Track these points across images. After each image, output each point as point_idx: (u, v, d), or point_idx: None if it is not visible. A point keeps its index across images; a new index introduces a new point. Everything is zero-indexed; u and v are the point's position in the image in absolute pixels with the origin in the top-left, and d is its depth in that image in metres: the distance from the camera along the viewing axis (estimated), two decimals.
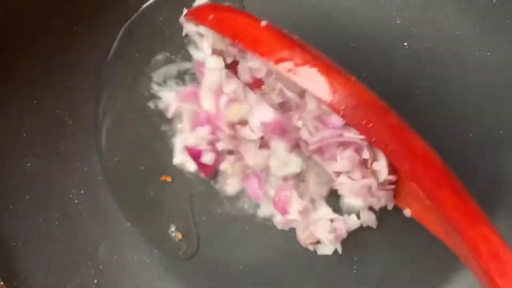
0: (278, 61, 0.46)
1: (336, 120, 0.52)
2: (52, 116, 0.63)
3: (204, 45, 0.60)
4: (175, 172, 0.65)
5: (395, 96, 0.62)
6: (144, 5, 0.65)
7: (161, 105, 0.65)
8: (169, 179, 0.65)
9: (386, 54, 0.63)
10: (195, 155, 0.61)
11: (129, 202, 0.65)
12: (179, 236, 0.64)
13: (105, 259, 0.63)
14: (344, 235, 0.61)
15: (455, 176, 0.46)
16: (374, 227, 0.62)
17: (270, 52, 0.47)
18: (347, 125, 0.51)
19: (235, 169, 0.62)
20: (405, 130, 0.47)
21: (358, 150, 0.54)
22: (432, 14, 0.62)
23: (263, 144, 0.60)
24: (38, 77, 0.61)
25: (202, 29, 0.59)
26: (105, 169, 0.65)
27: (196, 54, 0.65)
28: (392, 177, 0.55)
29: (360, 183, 0.56)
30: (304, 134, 0.55)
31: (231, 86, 0.59)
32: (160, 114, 0.65)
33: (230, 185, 0.63)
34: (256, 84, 0.60)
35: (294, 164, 0.59)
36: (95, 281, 0.62)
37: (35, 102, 0.62)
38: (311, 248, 0.62)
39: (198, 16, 0.55)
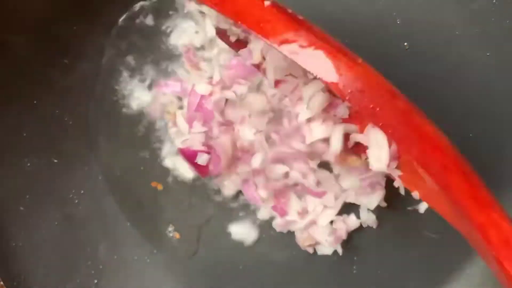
0: (282, 42, 0.44)
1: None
2: (52, 116, 0.63)
3: (207, 25, 0.60)
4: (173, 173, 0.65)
5: None
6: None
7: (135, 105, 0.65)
8: (159, 186, 0.65)
9: (386, 54, 0.63)
10: (190, 156, 0.61)
11: (127, 201, 0.65)
12: (177, 236, 0.64)
13: (105, 259, 0.63)
14: (344, 236, 0.61)
15: (466, 161, 0.45)
16: (374, 227, 0.62)
17: (274, 33, 0.45)
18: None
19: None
20: (413, 114, 0.45)
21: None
22: (432, 14, 0.62)
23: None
24: (38, 77, 0.61)
25: (204, 8, 0.58)
26: (105, 169, 0.65)
27: (184, 39, 0.65)
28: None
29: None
30: None
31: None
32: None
33: (227, 187, 0.63)
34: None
35: None
36: (95, 281, 0.62)
37: (35, 102, 0.62)
38: (310, 250, 0.62)
39: None
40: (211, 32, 0.62)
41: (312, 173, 0.61)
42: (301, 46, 0.44)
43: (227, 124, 0.61)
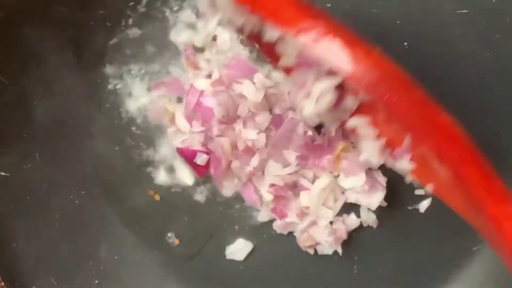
0: (298, 31, 0.44)
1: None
2: (52, 117, 0.63)
3: (212, 21, 0.60)
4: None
5: None
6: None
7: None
8: (157, 197, 0.65)
9: (386, 54, 0.63)
10: (189, 156, 0.61)
11: (127, 204, 0.65)
12: (176, 241, 0.64)
13: (106, 259, 0.63)
14: (344, 236, 0.61)
15: (481, 153, 0.45)
16: (374, 226, 0.62)
17: (291, 22, 0.44)
18: None
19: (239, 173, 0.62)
20: (429, 105, 0.45)
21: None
22: (432, 14, 0.62)
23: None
24: (38, 78, 0.61)
25: (218, 1, 0.57)
26: (105, 170, 0.65)
27: (184, 37, 0.64)
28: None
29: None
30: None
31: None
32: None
33: (226, 188, 0.63)
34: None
35: None
36: (96, 281, 0.62)
37: (35, 102, 0.62)
38: (310, 251, 0.62)
39: None
40: (214, 30, 0.62)
41: (311, 173, 0.61)
42: (318, 36, 0.43)
43: (227, 123, 0.61)
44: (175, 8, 0.65)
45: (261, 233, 0.64)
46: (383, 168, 0.60)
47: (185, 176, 0.64)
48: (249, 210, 0.64)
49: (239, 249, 0.64)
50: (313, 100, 0.51)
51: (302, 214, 0.61)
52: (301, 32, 0.44)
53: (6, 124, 0.60)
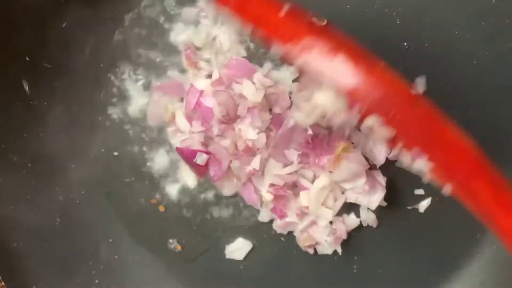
0: (301, 49, 0.43)
1: None
2: (52, 117, 0.63)
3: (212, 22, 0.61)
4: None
5: None
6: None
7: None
8: (162, 208, 0.65)
9: (386, 54, 0.63)
10: (189, 156, 0.61)
11: (126, 206, 0.65)
12: (178, 247, 0.64)
13: (106, 259, 0.63)
14: (344, 236, 0.61)
15: (491, 164, 0.44)
16: (374, 226, 0.62)
17: (293, 39, 0.44)
18: None
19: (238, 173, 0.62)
20: (435, 120, 0.44)
21: None
22: (432, 14, 0.62)
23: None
24: (39, 78, 0.61)
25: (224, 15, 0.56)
26: (106, 171, 0.65)
27: (184, 37, 0.64)
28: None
29: None
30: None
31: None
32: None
33: (225, 187, 0.63)
34: None
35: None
36: (96, 281, 0.62)
37: (35, 103, 0.62)
38: (310, 251, 0.62)
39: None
40: (214, 30, 0.63)
41: (311, 173, 0.61)
42: (321, 52, 0.43)
43: (227, 123, 0.61)
44: (175, 8, 0.65)
45: (261, 233, 0.64)
46: (383, 168, 0.60)
47: (187, 177, 0.64)
48: (249, 210, 0.64)
49: (238, 248, 0.64)
50: (310, 108, 0.51)
51: (302, 214, 0.61)
52: (304, 49, 0.43)
53: (7, 125, 0.60)
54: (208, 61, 0.64)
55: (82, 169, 0.64)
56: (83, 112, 0.64)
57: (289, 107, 0.61)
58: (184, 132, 0.63)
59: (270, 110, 0.62)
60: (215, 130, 0.61)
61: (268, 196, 0.61)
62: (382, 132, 0.55)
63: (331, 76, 0.43)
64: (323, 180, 0.60)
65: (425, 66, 0.62)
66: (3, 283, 0.59)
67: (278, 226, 0.63)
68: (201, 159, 0.61)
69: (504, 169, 0.61)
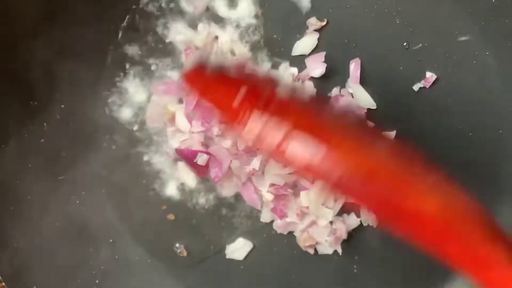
0: (257, 142, 0.40)
1: None
2: (52, 117, 0.63)
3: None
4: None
5: (395, 95, 0.63)
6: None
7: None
8: (172, 216, 0.64)
9: (386, 54, 0.63)
10: (189, 156, 0.61)
11: (127, 206, 0.65)
12: (184, 253, 0.64)
13: (106, 259, 0.63)
14: (344, 236, 0.61)
15: (461, 216, 0.40)
16: (374, 226, 0.62)
17: (245, 127, 0.40)
18: None
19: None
20: (394, 192, 0.40)
21: None
22: (432, 14, 0.62)
23: None
24: (39, 78, 0.61)
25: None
26: (106, 171, 0.65)
27: (183, 37, 0.64)
28: None
29: None
30: None
31: None
32: None
33: (225, 188, 0.63)
34: None
35: None
36: (97, 281, 0.62)
37: (36, 103, 0.62)
38: (310, 251, 0.62)
39: (188, 80, 0.47)
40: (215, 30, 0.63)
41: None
42: (276, 138, 0.39)
43: None
44: (175, 7, 0.65)
45: (261, 233, 0.64)
46: None
47: (187, 177, 0.64)
48: (250, 210, 0.64)
49: (239, 248, 0.64)
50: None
51: (302, 214, 0.61)
52: (260, 142, 0.40)
53: (7, 125, 0.60)
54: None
55: (82, 169, 0.64)
56: (83, 112, 0.64)
57: None
58: (184, 132, 0.63)
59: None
60: (215, 130, 0.61)
61: (268, 196, 0.61)
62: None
63: (285, 161, 0.41)
64: None
65: (425, 66, 0.62)
66: (3, 284, 0.59)
67: (278, 226, 0.63)
68: (201, 159, 0.61)
69: (504, 167, 0.61)
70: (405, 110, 0.63)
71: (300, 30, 0.64)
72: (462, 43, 0.62)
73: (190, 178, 0.64)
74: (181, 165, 0.64)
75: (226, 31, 0.63)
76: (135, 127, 0.65)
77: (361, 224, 0.62)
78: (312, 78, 0.63)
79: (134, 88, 0.65)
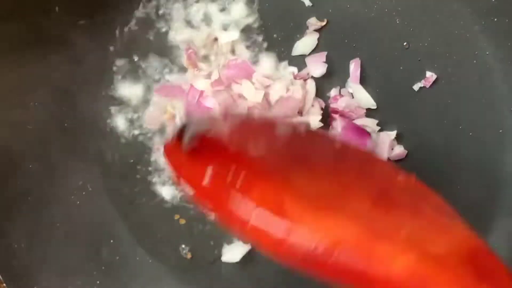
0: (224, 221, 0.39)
1: None
2: (52, 118, 0.63)
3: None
4: None
5: (395, 95, 0.63)
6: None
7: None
8: (182, 221, 0.64)
9: (386, 53, 0.63)
10: None
11: (127, 206, 0.65)
12: (189, 255, 0.64)
13: (107, 260, 0.63)
14: None
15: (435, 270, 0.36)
16: None
17: (219, 208, 0.39)
18: None
19: None
20: (360, 256, 0.36)
21: None
22: (432, 14, 0.62)
23: None
24: (39, 78, 0.61)
25: None
26: (106, 171, 0.65)
27: (183, 36, 0.64)
28: None
29: None
30: None
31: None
32: None
33: None
34: None
35: None
36: (98, 281, 0.62)
37: (36, 104, 0.62)
38: None
39: (167, 153, 0.45)
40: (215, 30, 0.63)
41: None
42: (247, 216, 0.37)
43: None
44: (174, 8, 0.65)
45: None
46: None
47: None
48: None
49: (235, 250, 0.64)
50: None
51: None
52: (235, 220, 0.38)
53: (7, 126, 0.60)
54: (208, 61, 0.64)
55: (83, 170, 0.64)
56: (83, 113, 0.64)
57: None
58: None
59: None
60: None
61: None
62: None
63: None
64: None
65: (425, 66, 0.62)
66: (3, 284, 0.59)
67: None
68: None
69: (504, 168, 0.61)
70: (405, 110, 0.63)
71: (300, 30, 0.64)
72: (462, 43, 0.62)
73: None
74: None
75: (226, 32, 0.63)
76: (136, 128, 0.65)
77: None
78: (312, 78, 0.63)
79: (134, 89, 0.65)
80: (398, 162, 0.62)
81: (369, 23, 0.63)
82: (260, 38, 0.64)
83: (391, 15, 0.63)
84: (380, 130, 0.62)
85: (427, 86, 0.62)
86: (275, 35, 0.64)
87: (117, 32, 0.64)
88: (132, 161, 0.65)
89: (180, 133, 0.42)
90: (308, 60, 0.63)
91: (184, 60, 0.64)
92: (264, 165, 0.41)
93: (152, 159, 0.65)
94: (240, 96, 0.60)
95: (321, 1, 0.63)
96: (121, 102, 0.65)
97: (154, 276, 0.64)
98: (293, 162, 0.42)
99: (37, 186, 0.61)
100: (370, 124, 0.62)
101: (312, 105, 0.62)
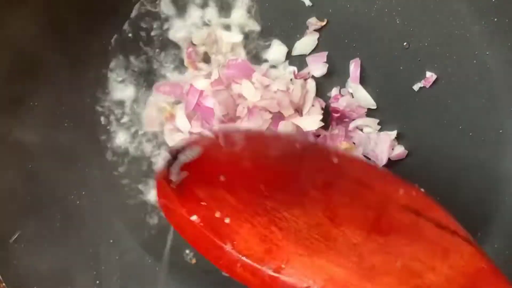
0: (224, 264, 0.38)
1: None
2: (53, 118, 0.63)
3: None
4: None
5: (395, 95, 0.63)
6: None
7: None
8: (193, 261, 0.64)
9: (386, 53, 0.63)
10: None
11: (129, 212, 0.65)
12: (193, 261, 0.64)
13: (106, 260, 0.63)
14: None
15: None
16: None
17: (204, 253, 0.39)
18: None
19: None
20: None
21: None
22: (432, 14, 0.62)
23: None
24: (39, 78, 0.61)
25: None
26: (107, 171, 0.65)
27: (183, 35, 0.64)
28: None
29: None
30: None
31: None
32: None
33: None
34: None
35: None
36: (97, 281, 0.62)
37: (36, 104, 0.62)
38: None
39: (157, 185, 0.43)
40: (215, 30, 0.63)
41: None
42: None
43: (228, 123, 0.61)
44: (174, 7, 0.65)
45: None
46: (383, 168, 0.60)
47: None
48: None
49: None
50: None
51: None
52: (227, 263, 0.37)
53: (7, 125, 0.60)
54: (208, 61, 0.64)
55: (83, 170, 0.64)
56: (83, 113, 0.64)
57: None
58: (183, 132, 0.63)
59: None
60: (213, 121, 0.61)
61: None
62: None
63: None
64: None
65: (425, 66, 0.62)
66: (3, 284, 0.59)
67: None
68: None
69: (504, 168, 0.61)
70: (405, 110, 0.63)
71: (300, 30, 0.64)
72: (462, 43, 0.62)
73: None
74: None
75: (226, 32, 0.63)
76: (136, 128, 0.65)
77: None
78: (312, 78, 0.63)
79: (133, 89, 0.65)
80: (398, 162, 0.62)
81: (369, 23, 0.63)
82: (260, 38, 0.64)
83: (391, 15, 0.63)
84: (380, 130, 0.62)
85: (427, 86, 0.62)
86: (275, 35, 0.64)
87: (115, 30, 0.64)
88: (132, 161, 0.65)
89: (169, 165, 0.41)
90: (309, 59, 0.63)
91: (184, 59, 0.64)
92: (252, 199, 0.39)
93: (153, 159, 0.65)
94: (240, 96, 0.60)
95: (321, 1, 0.63)
96: (118, 102, 0.65)
97: (153, 276, 0.64)
98: (283, 190, 0.40)
99: (36, 186, 0.62)
100: (371, 123, 0.62)
101: (313, 105, 0.62)
